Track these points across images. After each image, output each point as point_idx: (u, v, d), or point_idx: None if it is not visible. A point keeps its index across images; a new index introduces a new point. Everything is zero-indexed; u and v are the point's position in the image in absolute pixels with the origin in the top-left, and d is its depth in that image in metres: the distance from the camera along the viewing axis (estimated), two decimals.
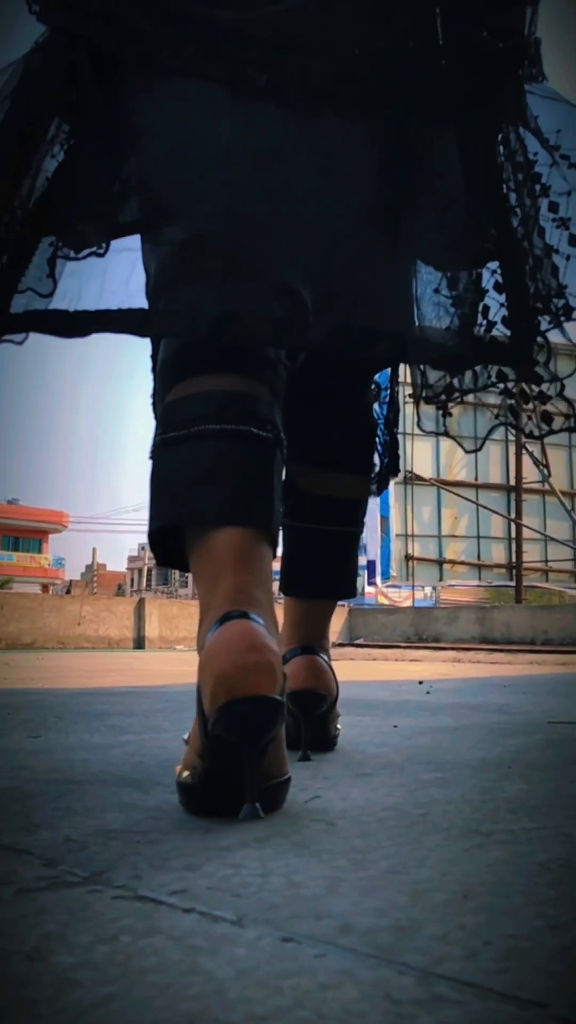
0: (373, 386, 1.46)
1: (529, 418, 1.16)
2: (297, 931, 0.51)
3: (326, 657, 1.32)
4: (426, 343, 1.02)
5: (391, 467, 1.47)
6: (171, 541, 0.98)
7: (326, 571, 1.38)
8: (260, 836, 0.77)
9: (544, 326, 1.03)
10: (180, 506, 0.93)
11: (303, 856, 0.70)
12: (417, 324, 1.01)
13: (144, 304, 0.95)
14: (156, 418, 1.00)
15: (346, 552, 1.40)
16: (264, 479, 0.93)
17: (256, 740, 0.80)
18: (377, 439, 1.44)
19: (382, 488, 1.49)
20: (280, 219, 0.93)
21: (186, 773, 0.86)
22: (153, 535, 0.98)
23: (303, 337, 0.94)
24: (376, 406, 1.47)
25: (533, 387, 1.11)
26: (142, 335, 1.00)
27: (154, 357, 1.10)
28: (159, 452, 0.96)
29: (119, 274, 0.96)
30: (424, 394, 1.15)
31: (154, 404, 1.05)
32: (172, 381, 0.98)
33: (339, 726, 1.38)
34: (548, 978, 0.44)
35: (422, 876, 0.64)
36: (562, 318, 1.03)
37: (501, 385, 1.11)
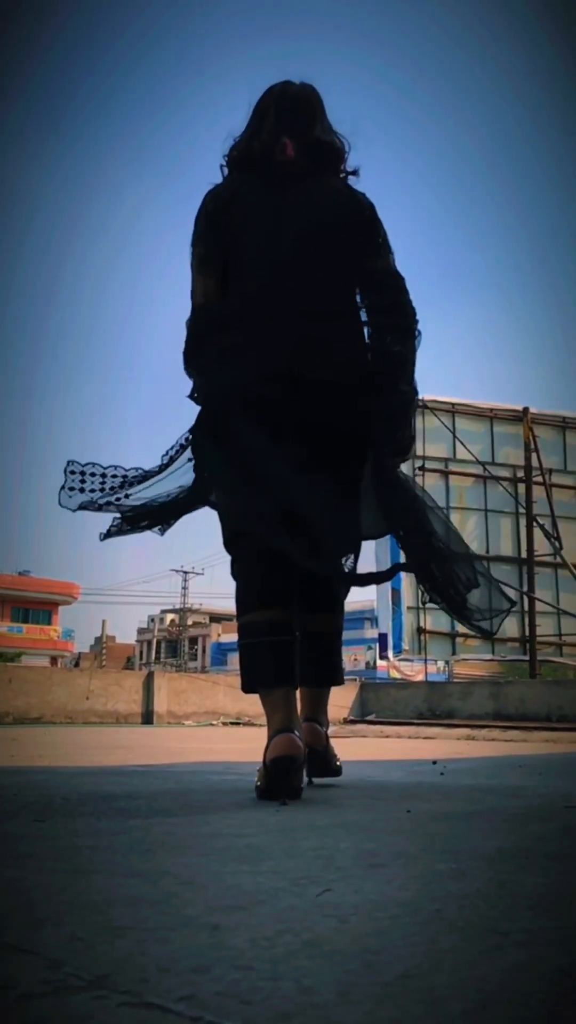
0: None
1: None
2: None
3: (320, 723, 2.27)
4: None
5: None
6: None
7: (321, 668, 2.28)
8: (270, 935, 0.74)
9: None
10: (254, 679, 2.06)
11: (314, 958, 0.67)
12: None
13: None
14: (236, 602, 2.11)
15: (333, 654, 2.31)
16: (287, 662, 2.02)
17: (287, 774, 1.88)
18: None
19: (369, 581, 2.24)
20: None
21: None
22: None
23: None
24: None
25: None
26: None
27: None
28: (245, 645, 2.06)
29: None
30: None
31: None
32: (245, 610, 2.07)
33: (339, 762, 2.28)
34: None
35: (438, 982, 0.61)
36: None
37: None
